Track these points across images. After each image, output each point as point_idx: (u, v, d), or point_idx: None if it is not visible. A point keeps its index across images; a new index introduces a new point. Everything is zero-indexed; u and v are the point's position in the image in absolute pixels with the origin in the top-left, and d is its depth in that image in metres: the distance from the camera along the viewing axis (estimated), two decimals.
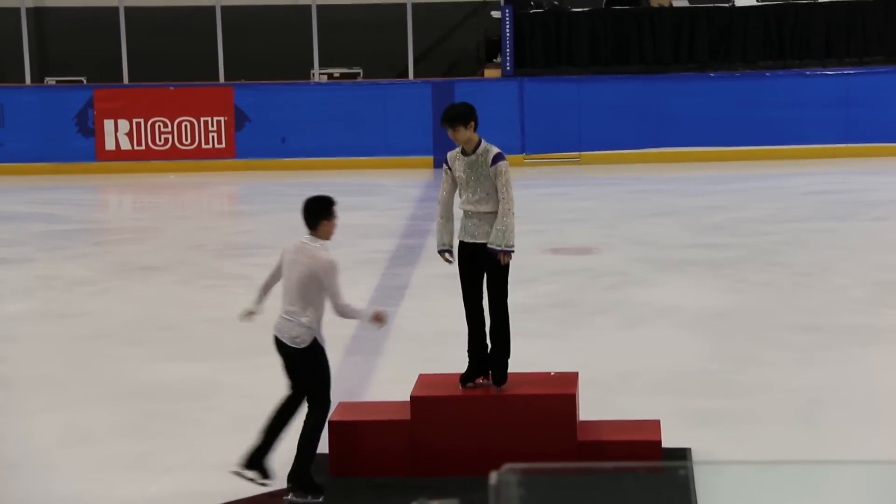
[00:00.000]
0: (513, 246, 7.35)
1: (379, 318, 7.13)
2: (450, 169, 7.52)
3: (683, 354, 9.28)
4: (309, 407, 7.06)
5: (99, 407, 8.53)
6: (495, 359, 7.54)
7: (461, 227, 7.55)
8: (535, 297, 10.91)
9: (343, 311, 7.00)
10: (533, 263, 12.17)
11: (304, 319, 6.99)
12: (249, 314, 7.34)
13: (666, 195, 17.23)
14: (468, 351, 7.62)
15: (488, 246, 7.34)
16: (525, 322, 9.56)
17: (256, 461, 7.01)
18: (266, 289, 7.28)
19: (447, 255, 7.49)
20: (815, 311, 10.43)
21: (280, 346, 7.08)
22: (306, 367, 7.03)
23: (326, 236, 7.13)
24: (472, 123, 7.41)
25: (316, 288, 6.96)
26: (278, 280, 7.18)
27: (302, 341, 7.00)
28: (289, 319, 7.02)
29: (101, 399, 8.69)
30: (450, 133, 7.42)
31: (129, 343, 10.09)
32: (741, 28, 20.75)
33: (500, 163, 7.37)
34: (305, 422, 7.02)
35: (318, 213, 7.17)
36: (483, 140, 7.47)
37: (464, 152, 7.48)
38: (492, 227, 7.42)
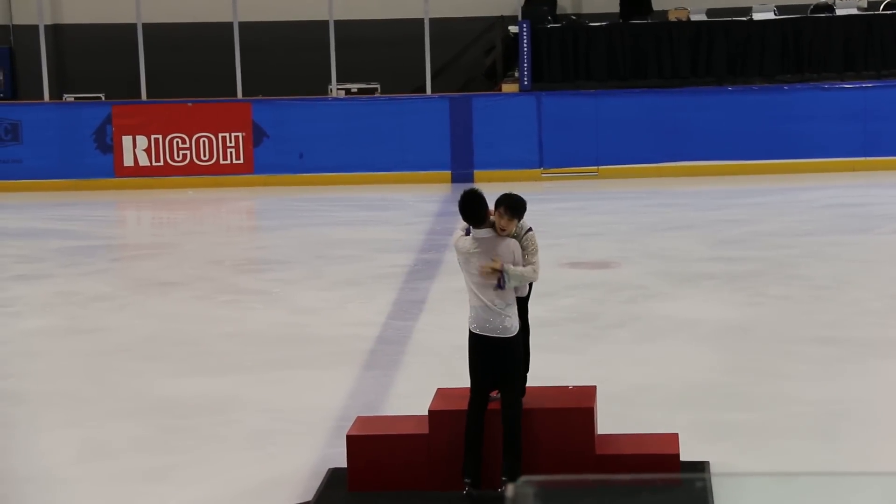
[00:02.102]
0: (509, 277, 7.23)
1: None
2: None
3: (701, 368, 9.28)
4: (511, 400, 7.09)
5: (117, 422, 8.57)
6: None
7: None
8: (554, 311, 10.92)
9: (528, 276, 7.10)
10: (551, 277, 12.16)
11: (507, 311, 7.07)
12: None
13: (684, 209, 17.22)
14: None
15: (503, 265, 7.32)
16: (543, 336, 9.54)
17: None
18: None
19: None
20: (834, 325, 10.41)
21: (488, 341, 7.07)
22: (514, 357, 7.08)
23: (498, 229, 7.16)
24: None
25: None
26: None
27: (511, 330, 7.07)
28: (493, 312, 7.03)
29: (119, 414, 8.73)
30: (504, 222, 7.24)
31: (147, 358, 10.13)
32: (759, 42, 20.75)
33: (530, 233, 7.30)
34: (512, 418, 7.07)
35: (483, 210, 7.17)
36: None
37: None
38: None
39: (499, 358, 7.05)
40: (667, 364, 9.41)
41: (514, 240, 7.17)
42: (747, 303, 11.32)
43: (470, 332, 7.11)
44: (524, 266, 7.18)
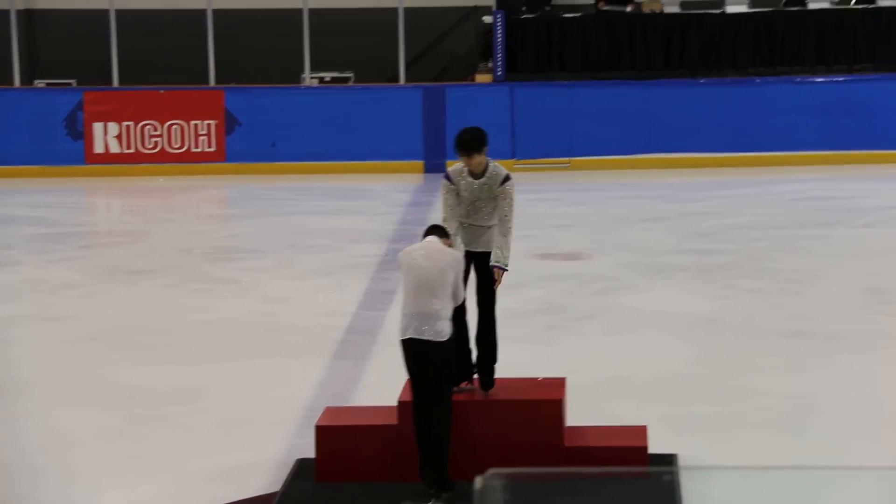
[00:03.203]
0: (507, 265, 7.38)
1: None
2: (453, 183, 7.44)
3: (671, 360, 9.30)
4: (439, 405, 7.01)
5: (85, 410, 8.52)
6: (483, 363, 7.55)
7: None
8: (524, 303, 10.92)
9: (457, 297, 7.10)
10: (522, 269, 12.14)
11: (444, 312, 7.00)
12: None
13: (655, 201, 17.26)
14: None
15: (492, 264, 7.36)
16: (513, 327, 9.54)
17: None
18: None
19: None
20: (803, 318, 10.46)
21: (414, 345, 6.99)
22: (442, 363, 7.00)
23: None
24: (485, 148, 7.37)
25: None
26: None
27: (446, 333, 6.99)
28: (426, 316, 6.96)
29: (88, 403, 8.69)
30: (464, 160, 7.34)
31: (117, 347, 10.08)
32: (732, 34, 20.80)
33: (508, 183, 7.37)
34: (440, 421, 6.99)
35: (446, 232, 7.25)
36: (490, 161, 7.43)
37: (472, 174, 7.42)
38: (487, 238, 7.44)
39: (430, 363, 6.97)
40: (636, 356, 9.43)
41: (457, 255, 7.13)
42: (718, 295, 11.35)
43: (401, 341, 6.99)
44: (503, 222, 7.21)
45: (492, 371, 7.51)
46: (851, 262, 12.75)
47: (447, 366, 7.04)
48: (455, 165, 7.51)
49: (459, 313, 7.47)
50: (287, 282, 12.32)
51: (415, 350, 6.96)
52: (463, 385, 7.46)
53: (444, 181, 7.46)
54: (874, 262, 12.72)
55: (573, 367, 8.51)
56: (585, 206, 17.01)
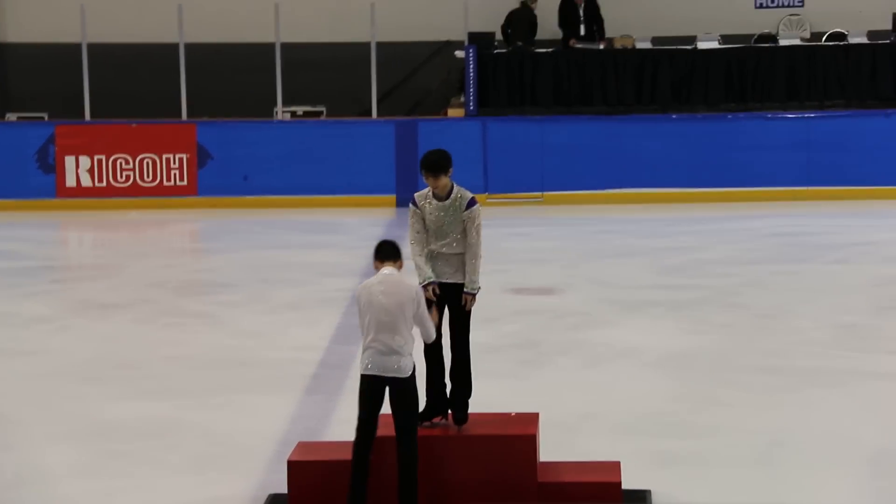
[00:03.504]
0: (478, 288, 7.45)
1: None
2: (419, 209, 7.51)
3: (644, 396, 9.32)
4: (404, 446, 7.05)
5: (56, 446, 8.47)
6: (456, 398, 7.55)
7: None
8: (497, 337, 10.93)
9: (427, 332, 7.20)
10: (495, 303, 12.19)
11: (405, 349, 7.03)
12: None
13: (628, 236, 17.32)
14: (426, 390, 7.62)
15: (465, 291, 7.40)
16: (486, 362, 9.56)
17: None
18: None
19: (435, 287, 7.47)
20: (776, 354, 10.50)
21: (379, 382, 7.02)
22: (406, 398, 7.04)
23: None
24: (450, 170, 7.45)
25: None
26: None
27: (408, 369, 7.03)
28: (389, 352, 6.99)
29: (58, 438, 8.63)
30: (430, 181, 7.42)
31: (88, 381, 10.03)
32: (703, 70, 20.96)
33: (475, 207, 7.45)
34: (407, 464, 7.02)
35: (400, 249, 7.24)
36: (454, 184, 7.51)
37: (436, 196, 7.48)
38: (457, 268, 7.47)
39: (394, 399, 6.99)
40: (610, 391, 9.45)
41: (417, 289, 7.16)
42: (691, 331, 11.39)
43: (363, 375, 7.00)
44: (471, 246, 7.30)
45: (465, 406, 7.52)
46: (824, 297, 12.81)
47: (412, 400, 7.06)
48: (420, 191, 7.57)
49: (435, 347, 7.49)
50: (259, 316, 12.30)
51: (375, 387, 6.99)
52: (436, 420, 7.46)
53: (411, 206, 7.54)
54: (846, 297, 12.79)
55: (546, 402, 8.51)
56: (558, 241, 17.06)
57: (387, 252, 7.22)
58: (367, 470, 7.04)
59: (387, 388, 7.01)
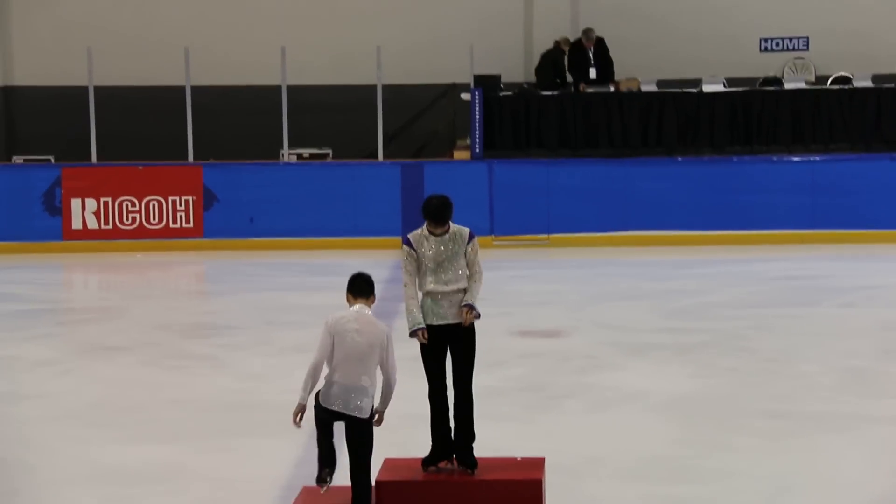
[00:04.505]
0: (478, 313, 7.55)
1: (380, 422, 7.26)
2: (414, 251, 7.57)
3: (651, 440, 9.29)
4: (359, 484, 7.18)
5: (61, 490, 8.45)
6: (461, 442, 7.54)
7: (427, 312, 7.60)
8: (503, 381, 10.91)
9: (390, 385, 7.23)
10: (500, 346, 12.17)
11: (371, 389, 7.13)
12: (303, 412, 7.26)
13: (634, 279, 17.31)
14: (432, 434, 7.62)
15: (466, 303, 7.47)
16: (492, 406, 9.55)
17: None
18: (316, 377, 7.22)
19: (422, 332, 7.52)
20: (782, 398, 10.47)
21: (339, 416, 7.14)
22: (366, 435, 7.17)
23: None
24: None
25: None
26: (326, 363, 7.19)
27: (367, 411, 7.13)
28: (354, 389, 7.08)
29: (63, 482, 8.61)
30: (435, 228, 7.49)
31: (92, 425, 10.02)
32: (708, 113, 21.00)
33: (476, 239, 7.62)
34: (357, 495, 7.14)
35: (373, 285, 7.33)
36: (450, 221, 7.60)
37: (432, 233, 7.55)
38: (458, 308, 7.52)
39: (350, 437, 7.10)
40: (616, 435, 9.42)
41: (388, 332, 7.22)
42: (697, 374, 11.36)
43: (325, 408, 7.06)
44: (472, 281, 7.47)
45: (470, 450, 7.51)
46: (830, 342, 12.79)
47: (368, 442, 7.14)
48: (414, 231, 7.63)
49: (438, 391, 7.49)
50: (264, 358, 12.29)
51: (334, 419, 7.09)
52: (442, 465, 7.45)
53: (405, 247, 7.59)
54: (854, 341, 12.76)
55: (552, 447, 8.50)
56: (564, 284, 17.05)
57: (360, 288, 7.26)
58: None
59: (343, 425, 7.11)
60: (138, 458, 9.08)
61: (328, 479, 7.10)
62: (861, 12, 22.58)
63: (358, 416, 7.02)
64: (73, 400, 10.82)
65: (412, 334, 7.59)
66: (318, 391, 7.15)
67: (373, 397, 7.09)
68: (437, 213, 7.50)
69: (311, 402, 7.14)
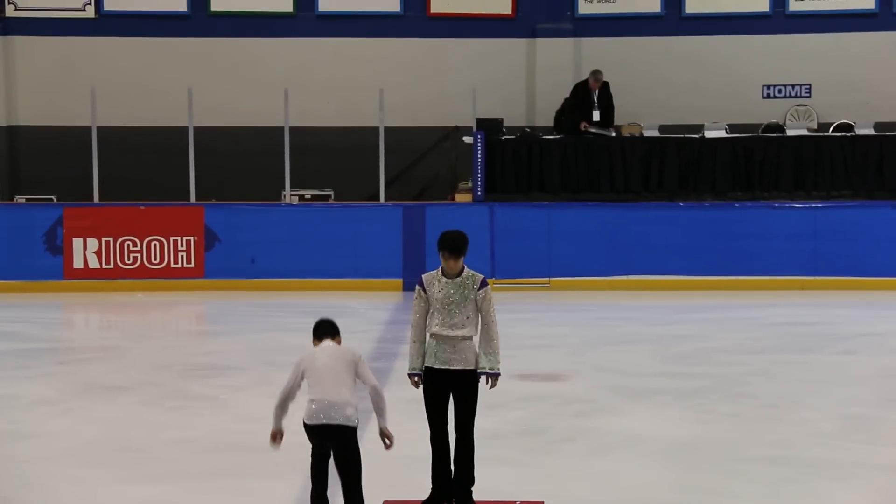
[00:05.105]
0: (499, 369, 7.59)
1: (391, 436, 7.50)
2: (424, 291, 7.63)
3: (651, 485, 9.29)
4: (353, 496, 7.38)
5: None
6: (460, 485, 7.56)
7: (431, 353, 7.64)
8: (503, 424, 10.92)
9: (379, 392, 7.47)
10: (500, 389, 12.07)
11: (353, 400, 7.38)
12: (280, 435, 7.59)
13: (635, 323, 17.33)
14: (432, 476, 7.64)
15: (480, 371, 7.51)
16: (492, 449, 9.56)
17: None
18: (286, 405, 7.58)
19: (417, 378, 7.60)
20: (783, 444, 10.47)
21: (329, 431, 7.31)
22: (355, 447, 7.37)
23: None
24: (466, 250, 7.66)
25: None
26: (296, 392, 7.53)
27: (356, 419, 7.36)
28: (338, 403, 7.31)
29: None
30: (450, 261, 7.56)
31: (92, 464, 10.02)
32: (710, 159, 21.09)
33: (488, 287, 7.63)
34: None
35: (337, 328, 7.71)
36: (465, 266, 7.65)
37: (445, 274, 7.60)
38: (464, 354, 7.55)
39: (341, 447, 7.30)
40: (616, 480, 9.42)
41: (357, 352, 7.43)
42: (697, 420, 11.37)
43: (310, 426, 7.36)
44: (488, 326, 7.62)
45: (469, 493, 7.52)
46: (830, 388, 12.80)
47: (356, 450, 7.36)
48: (428, 272, 7.71)
49: (440, 434, 7.52)
50: (265, 399, 12.16)
51: (324, 436, 7.31)
52: None
53: (417, 288, 7.68)
54: (854, 388, 12.78)
55: (552, 491, 8.50)
56: (565, 327, 17.07)
57: (325, 330, 7.58)
58: None
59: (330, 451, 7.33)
60: (138, 497, 9.09)
61: None
62: (862, 61, 22.74)
63: (346, 424, 7.17)
64: (74, 439, 10.83)
65: (409, 377, 7.66)
66: (303, 418, 7.33)
67: (356, 408, 7.26)
68: (453, 244, 7.59)
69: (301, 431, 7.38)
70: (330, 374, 7.34)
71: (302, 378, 7.50)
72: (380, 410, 7.37)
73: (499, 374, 7.53)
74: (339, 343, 7.55)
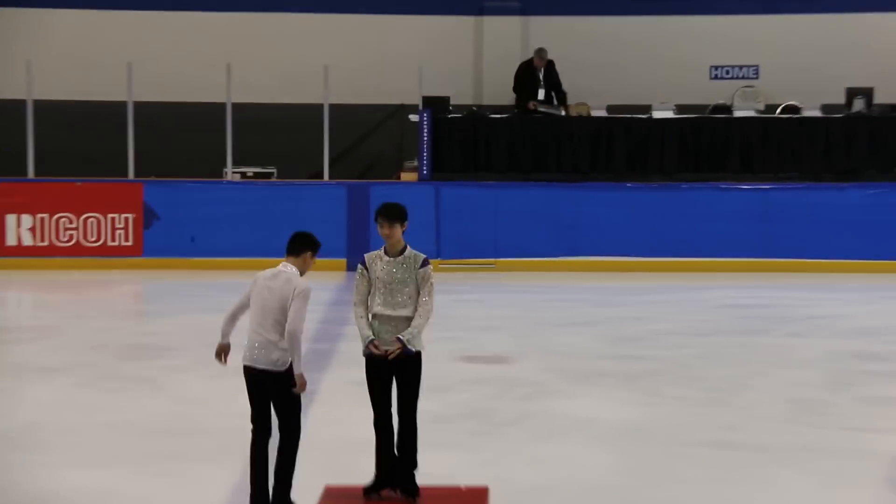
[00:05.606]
0: (415, 349, 7.45)
1: (303, 385, 7.19)
2: (367, 270, 7.54)
3: (597, 469, 9.25)
4: (283, 433, 7.18)
5: None
6: (403, 469, 7.48)
7: (373, 333, 7.54)
8: (447, 407, 10.84)
9: (292, 337, 7.11)
10: (445, 372, 12.12)
11: (282, 344, 7.14)
12: (225, 351, 7.46)
13: (582, 304, 17.33)
14: (376, 461, 7.55)
15: (398, 336, 7.42)
16: (436, 433, 9.48)
17: None
18: (233, 319, 7.44)
19: (376, 342, 7.49)
20: (730, 428, 10.46)
21: (254, 373, 7.17)
22: (282, 392, 7.14)
23: (303, 268, 7.31)
24: (406, 224, 7.53)
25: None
26: (245, 310, 7.37)
27: (283, 363, 7.14)
28: (267, 345, 7.14)
29: None
30: (385, 229, 7.49)
31: (24, 448, 9.84)
32: (658, 140, 21.12)
33: (429, 267, 7.52)
34: (282, 450, 7.20)
35: (309, 245, 7.39)
36: (408, 245, 7.56)
37: (388, 253, 7.51)
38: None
39: (267, 393, 7.22)
40: (561, 464, 9.36)
41: (302, 285, 7.20)
42: (644, 402, 11.34)
43: (243, 367, 7.32)
44: (422, 306, 7.40)
45: (412, 477, 7.44)
46: (778, 371, 12.83)
47: (286, 396, 7.17)
48: (371, 252, 7.61)
49: (383, 418, 7.42)
50: (204, 381, 12.14)
51: (251, 378, 7.25)
52: (384, 493, 7.38)
53: (359, 266, 7.59)
54: (801, 371, 12.81)
55: (496, 475, 8.43)
56: (511, 309, 17.02)
57: (290, 245, 7.42)
58: (265, 469, 7.26)
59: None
60: (71, 483, 8.92)
61: None
62: (809, 45, 22.83)
63: (272, 369, 7.12)
64: (4, 423, 10.63)
65: (366, 350, 7.52)
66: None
67: (285, 351, 7.15)
68: (389, 210, 7.51)
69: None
70: (259, 307, 7.22)
71: (249, 300, 7.41)
72: (290, 350, 7.20)
73: (405, 344, 7.40)
74: (303, 263, 7.31)
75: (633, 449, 9.82)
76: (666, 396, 11.61)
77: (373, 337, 7.46)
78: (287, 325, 7.12)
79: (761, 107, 22.20)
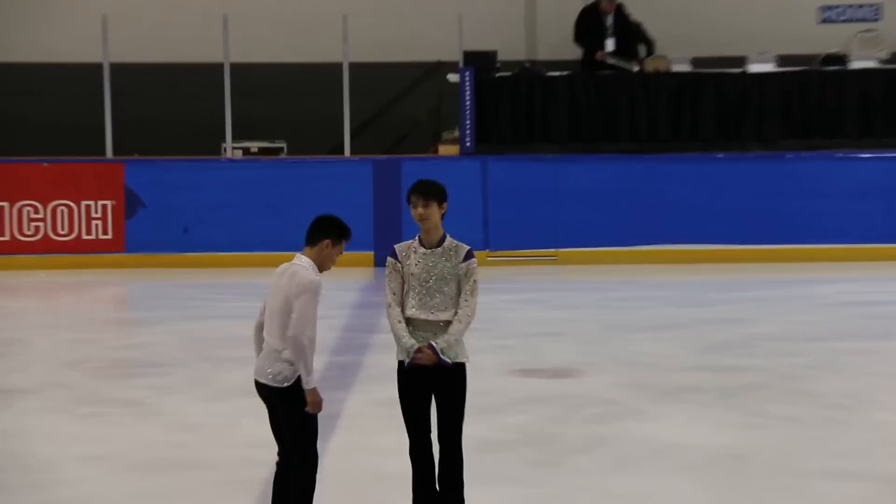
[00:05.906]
0: (454, 359, 7.44)
1: (314, 403, 7.19)
2: (399, 263, 7.53)
3: None
4: (295, 464, 7.23)
5: None
6: None
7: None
8: (501, 432, 10.87)
9: (296, 344, 7.10)
10: (497, 389, 12.14)
11: (285, 354, 7.13)
12: None
13: (663, 304, 17.34)
14: (413, 497, 7.58)
15: (430, 343, 7.39)
16: (486, 463, 9.50)
17: None
18: (261, 330, 7.48)
19: (425, 350, 7.45)
20: (852, 455, 10.43)
21: (260, 389, 7.29)
22: (288, 412, 7.17)
23: (321, 262, 7.31)
24: (445, 205, 7.51)
25: None
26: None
27: (284, 378, 7.16)
28: (269, 354, 7.21)
29: None
30: (419, 209, 7.46)
31: None
32: (756, 99, 21.07)
33: (474, 260, 7.51)
34: (294, 484, 7.26)
35: (327, 231, 7.36)
36: (447, 233, 7.54)
37: (423, 244, 7.50)
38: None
39: (274, 411, 7.31)
40: (642, 501, 9.37)
41: (309, 280, 7.27)
42: (743, 425, 11.34)
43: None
44: (463, 307, 7.40)
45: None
46: None
47: (295, 417, 7.19)
48: (403, 242, 7.59)
49: (421, 445, 7.41)
50: (201, 404, 12.23)
51: (260, 395, 7.37)
52: None
53: (389, 259, 7.56)
54: None
55: None
56: (576, 311, 17.05)
57: (309, 233, 7.41)
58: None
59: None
60: None
61: None
62: None
63: (267, 384, 7.19)
64: None
65: (409, 364, 7.48)
66: None
67: (290, 364, 7.26)
68: (423, 186, 7.49)
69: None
70: (268, 311, 7.31)
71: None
72: (295, 360, 7.20)
73: (440, 353, 7.37)
74: (319, 254, 7.32)
75: (730, 482, 9.82)
76: (771, 417, 11.60)
77: (417, 344, 7.43)
78: (289, 330, 7.11)
79: (884, 56, 22.09)
